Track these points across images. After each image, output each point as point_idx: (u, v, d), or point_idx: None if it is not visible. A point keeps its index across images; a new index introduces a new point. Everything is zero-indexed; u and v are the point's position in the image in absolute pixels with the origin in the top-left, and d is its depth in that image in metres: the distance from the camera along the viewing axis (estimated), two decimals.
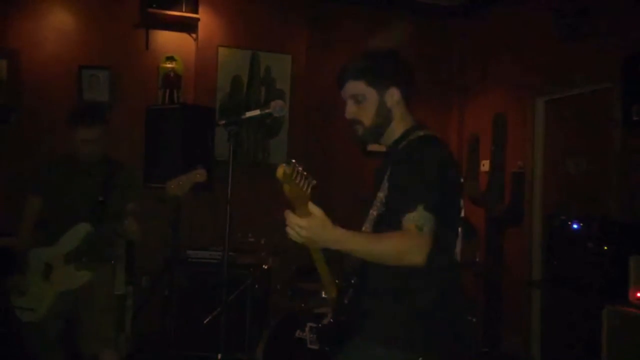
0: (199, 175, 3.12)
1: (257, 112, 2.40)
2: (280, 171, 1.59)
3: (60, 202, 3.33)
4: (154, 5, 5.25)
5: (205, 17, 5.55)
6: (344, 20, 5.85)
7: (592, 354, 3.70)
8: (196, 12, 5.42)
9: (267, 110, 2.31)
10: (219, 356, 2.84)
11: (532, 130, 5.27)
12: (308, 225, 1.70)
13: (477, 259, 4.34)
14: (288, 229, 1.71)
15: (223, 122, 2.51)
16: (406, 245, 1.82)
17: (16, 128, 5.17)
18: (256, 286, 4.55)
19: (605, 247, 3.85)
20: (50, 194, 3.35)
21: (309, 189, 1.66)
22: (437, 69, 6.33)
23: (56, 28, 5.34)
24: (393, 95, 2.05)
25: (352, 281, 2.04)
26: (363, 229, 2.06)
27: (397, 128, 2.08)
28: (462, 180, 2.06)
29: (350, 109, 2.08)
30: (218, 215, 3.18)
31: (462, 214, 2.05)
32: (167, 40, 5.58)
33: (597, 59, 4.54)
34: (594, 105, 4.77)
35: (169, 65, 5.57)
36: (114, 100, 5.39)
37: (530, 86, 5.30)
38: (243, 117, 2.44)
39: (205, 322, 4.23)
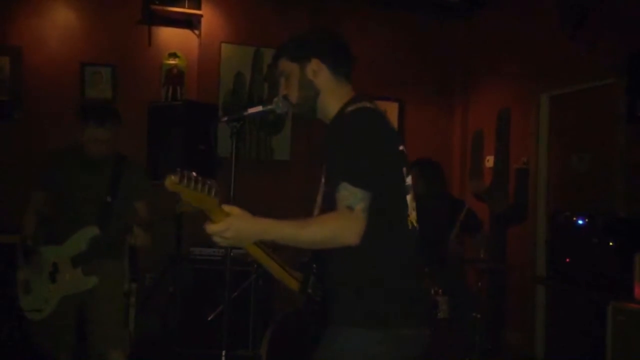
0: None
1: (259, 108, 2.38)
2: (168, 181, 1.64)
3: (67, 200, 3.29)
4: (157, 2, 5.24)
5: (208, 14, 5.54)
6: (346, 17, 5.83)
7: (597, 350, 3.69)
8: (199, 8, 5.41)
9: (269, 107, 2.29)
10: (223, 353, 2.83)
11: (537, 126, 5.25)
12: (226, 226, 1.74)
13: (482, 255, 4.32)
14: (214, 238, 1.76)
15: (226, 118, 2.49)
16: (335, 227, 1.78)
17: (19, 125, 5.17)
18: (260, 283, 4.54)
19: (611, 243, 3.84)
20: (56, 189, 3.31)
21: (213, 193, 1.70)
22: (441, 65, 6.31)
23: (58, 25, 5.33)
24: (314, 68, 2.05)
25: (313, 269, 1.99)
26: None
27: (332, 103, 2.04)
28: (401, 148, 1.97)
29: (282, 87, 2.14)
30: None
31: (408, 182, 1.98)
32: (169, 36, 5.57)
33: (602, 54, 4.52)
34: (598, 101, 4.75)
35: (171, 62, 5.56)
36: (116, 97, 5.39)
37: (535, 82, 5.28)
38: (246, 113, 2.42)
39: (209, 318, 4.23)
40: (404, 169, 1.97)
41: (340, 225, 1.78)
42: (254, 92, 5.72)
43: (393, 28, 6.09)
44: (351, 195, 1.78)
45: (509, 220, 5.51)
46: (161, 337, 4.86)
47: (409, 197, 1.96)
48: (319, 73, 2.05)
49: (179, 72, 5.57)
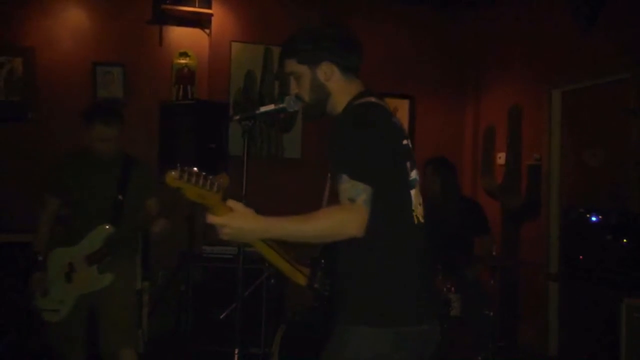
0: (222, 181, 3.08)
1: (271, 107, 2.40)
2: (168, 178, 1.65)
3: (79, 201, 3.32)
4: (167, 1, 5.27)
5: (218, 13, 5.56)
6: (356, 13, 5.82)
7: (611, 347, 3.67)
8: (209, 7, 5.43)
9: (281, 105, 2.30)
10: (236, 351, 2.84)
11: (549, 122, 5.22)
12: (227, 221, 1.75)
13: (494, 253, 4.30)
14: (217, 231, 1.77)
15: (237, 117, 2.51)
16: (337, 219, 1.78)
17: (32, 125, 5.21)
18: (272, 281, 4.55)
19: (624, 240, 3.81)
20: (68, 192, 3.35)
21: (215, 188, 1.71)
22: (452, 61, 6.28)
23: (70, 25, 5.36)
24: (325, 71, 2.04)
25: (321, 264, 1.99)
26: None
27: (342, 100, 2.04)
28: (404, 142, 1.97)
29: (293, 86, 2.16)
30: None
31: (414, 176, 1.97)
32: (180, 36, 5.59)
33: (614, 49, 4.49)
34: (610, 96, 4.72)
35: (182, 61, 5.58)
36: (128, 97, 5.41)
37: (547, 78, 5.25)
38: (257, 112, 2.44)
39: (221, 317, 4.24)
40: (408, 163, 1.95)
41: (342, 217, 1.78)
42: (265, 90, 5.73)
43: (404, 24, 6.08)
44: (352, 188, 1.77)
45: (521, 217, 5.48)
46: (174, 335, 4.88)
47: (413, 192, 1.95)
48: (331, 76, 2.05)
49: (189, 71, 5.59)
